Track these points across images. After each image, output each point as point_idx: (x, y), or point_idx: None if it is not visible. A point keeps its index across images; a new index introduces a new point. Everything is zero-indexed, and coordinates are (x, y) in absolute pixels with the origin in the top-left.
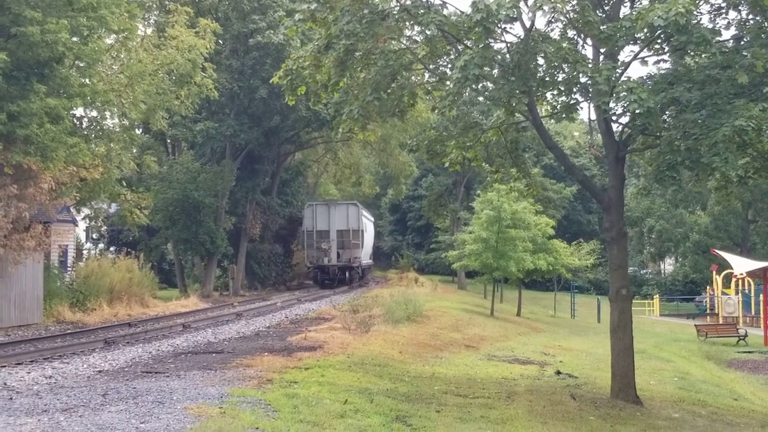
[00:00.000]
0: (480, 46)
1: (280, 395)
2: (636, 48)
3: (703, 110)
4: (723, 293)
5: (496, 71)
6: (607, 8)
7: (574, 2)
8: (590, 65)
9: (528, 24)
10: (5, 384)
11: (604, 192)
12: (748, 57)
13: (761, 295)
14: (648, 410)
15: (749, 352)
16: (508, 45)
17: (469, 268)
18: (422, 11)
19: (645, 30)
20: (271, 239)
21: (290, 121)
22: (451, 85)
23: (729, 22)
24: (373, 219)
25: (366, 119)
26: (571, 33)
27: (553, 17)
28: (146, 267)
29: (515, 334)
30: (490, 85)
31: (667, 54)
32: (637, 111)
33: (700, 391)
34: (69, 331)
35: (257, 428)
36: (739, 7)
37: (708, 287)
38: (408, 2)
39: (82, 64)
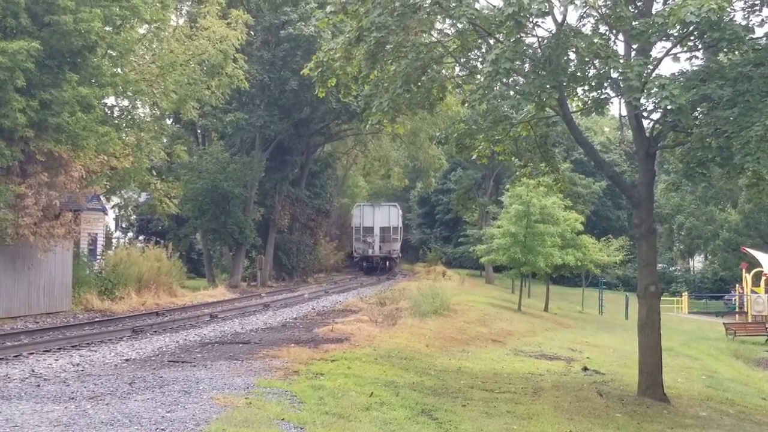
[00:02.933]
0: (511, 40)
1: (306, 387)
2: (668, 44)
3: (735, 108)
4: (752, 292)
5: (527, 65)
6: (639, 3)
7: None
8: (622, 61)
9: (559, 18)
10: (33, 371)
11: (633, 188)
12: None
13: None
14: (675, 408)
15: None
16: (540, 39)
17: (497, 262)
18: (454, 4)
19: (677, 26)
20: (300, 230)
21: (320, 113)
22: (482, 79)
23: (763, 20)
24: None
25: (396, 112)
26: (602, 28)
27: (584, 12)
28: (175, 256)
29: (542, 329)
30: (520, 79)
31: (700, 51)
32: (669, 107)
33: (727, 390)
34: (97, 320)
35: (283, 419)
36: None
37: (737, 285)
38: None
39: (114, 54)
